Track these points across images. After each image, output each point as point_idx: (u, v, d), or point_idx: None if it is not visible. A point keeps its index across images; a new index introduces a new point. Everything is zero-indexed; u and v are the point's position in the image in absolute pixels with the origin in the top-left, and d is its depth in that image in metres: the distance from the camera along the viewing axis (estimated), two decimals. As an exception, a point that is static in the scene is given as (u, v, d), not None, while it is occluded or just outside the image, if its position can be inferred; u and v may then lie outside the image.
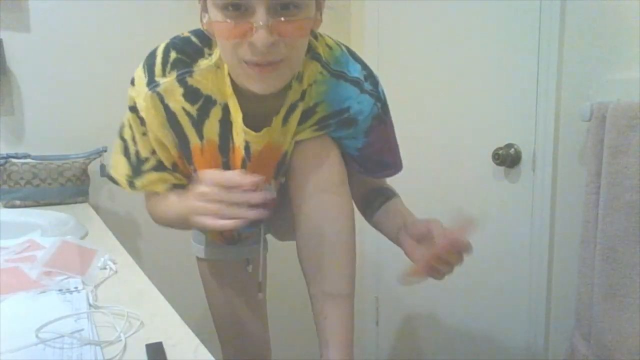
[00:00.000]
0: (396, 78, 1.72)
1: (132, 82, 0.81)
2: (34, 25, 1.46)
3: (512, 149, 1.41)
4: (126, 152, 0.87)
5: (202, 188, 0.68)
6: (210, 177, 0.68)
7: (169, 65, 0.78)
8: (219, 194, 0.67)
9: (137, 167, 0.86)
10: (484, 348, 1.57)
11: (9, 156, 1.40)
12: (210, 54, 0.79)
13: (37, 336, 0.54)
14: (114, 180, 0.89)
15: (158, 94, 0.78)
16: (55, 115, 1.52)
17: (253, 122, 0.79)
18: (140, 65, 0.81)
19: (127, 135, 0.86)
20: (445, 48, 1.59)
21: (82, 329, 0.57)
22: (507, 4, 1.40)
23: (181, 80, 0.78)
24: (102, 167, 1.51)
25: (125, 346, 0.54)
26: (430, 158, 1.67)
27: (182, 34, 0.81)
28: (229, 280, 1.10)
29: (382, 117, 0.87)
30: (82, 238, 1.03)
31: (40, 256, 0.79)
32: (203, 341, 0.57)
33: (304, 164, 0.83)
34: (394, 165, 0.97)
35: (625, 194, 1.07)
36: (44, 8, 1.47)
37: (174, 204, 0.83)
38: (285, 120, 0.81)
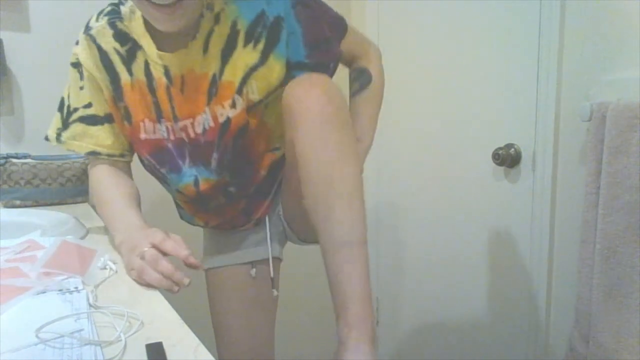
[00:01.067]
0: (396, 78, 1.72)
1: (77, 42, 0.91)
2: (34, 25, 1.46)
3: (512, 149, 1.41)
4: (61, 107, 0.95)
5: (140, 256, 0.72)
6: (151, 254, 0.71)
7: (102, 14, 0.90)
8: (153, 265, 0.70)
9: (66, 119, 0.94)
10: (484, 348, 1.57)
11: (9, 156, 1.40)
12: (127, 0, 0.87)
13: (37, 336, 0.54)
14: (47, 138, 0.97)
15: (91, 35, 0.88)
16: (55, 115, 1.52)
17: (172, 52, 0.84)
18: None
19: (65, 93, 0.95)
20: (445, 48, 1.59)
21: (82, 329, 0.57)
22: (507, 4, 1.40)
23: (112, 24, 0.88)
24: (102, 167, 1.51)
25: (125, 346, 0.54)
26: (431, 158, 1.67)
27: None
28: (232, 288, 1.06)
29: (302, 0, 0.87)
30: (82, 238, 1.03)
31: (40, 256, 0.79)
32: (203, 341, 0.57)
33: (301, 106, 0.75)
34: (337, 30, 0.95)
35: (625, 194, 1.07)
36: (44, 8, 1.46)
37: (116, 226, 0.86)
38: (206, 46, 0.84)
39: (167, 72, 0.85)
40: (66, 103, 0.94)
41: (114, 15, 0.88)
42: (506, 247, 1.47)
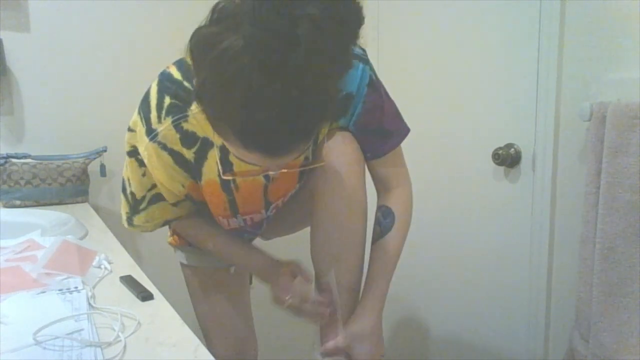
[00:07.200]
0: (396, 78, 1.72)
1: (130, 129, 0.82)
2: (34, 25, 1.46)
3: (512, 149, 1.41)
4: (124, 190, 0.90)
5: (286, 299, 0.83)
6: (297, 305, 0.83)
7: (163, 112, 0.77)
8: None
9: (134, 206, 0.90)
10: (483, 348, 1.57)
11: (9, 156, 1.40)
12: None
13: (38, 337, 0.54)
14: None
15: (159, 142, 0.78)
16: (55, 115, 1.52)
17: None
18: (136, 112, 0.81)
19: (125, 175, 0.89)
20: (445, 48, 1.59)
21: (82, 329, 0.57)
22: (507, 4, 1.40)
23: (177, 126, 0.77)
24: (102, 167, 1.51)
25: (125, 346, 0.54)
26: (431, 158, 1.67)
27: (170, 71, 0.79)
28: (213, 283, 1.11)
29: (374, 82, 0.84)
30: (82, 238, 1.03)
31: (40, 256, 0.79)
32: (203, 341, 0.57)
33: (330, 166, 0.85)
34: (396, 131, 0.91)
35: (624, 193, 1.07)
36: (44, 8, 1.47)
37: (247, 262, 0.96)
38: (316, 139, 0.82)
39: (266, 175, 0.81)
40: (129, 189, 0.88)
41: (177, 113, 0.77)
42: (506, 247, 1.47)
